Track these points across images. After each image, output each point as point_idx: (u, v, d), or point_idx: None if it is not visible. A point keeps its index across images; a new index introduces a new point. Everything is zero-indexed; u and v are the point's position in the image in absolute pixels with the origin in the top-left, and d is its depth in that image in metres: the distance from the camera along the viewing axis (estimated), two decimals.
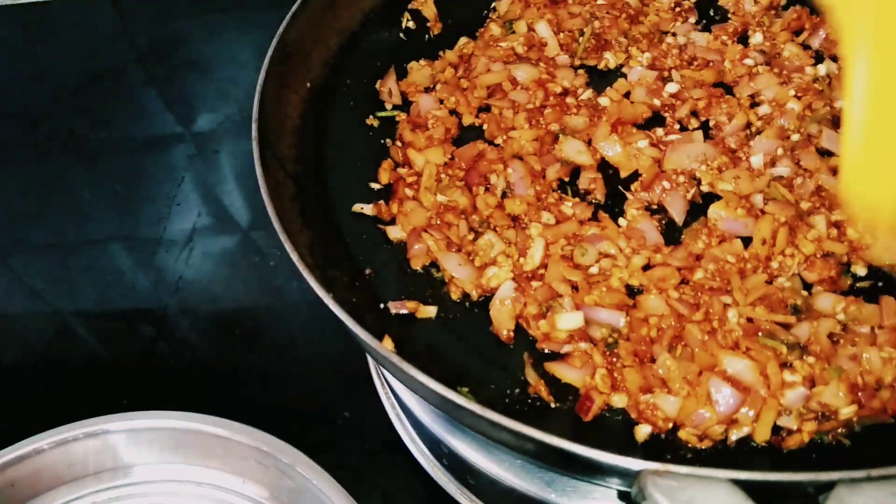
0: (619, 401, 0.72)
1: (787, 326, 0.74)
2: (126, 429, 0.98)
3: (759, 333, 0.73)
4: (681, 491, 0.50)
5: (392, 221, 0.87)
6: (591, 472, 0.61)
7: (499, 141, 0.92)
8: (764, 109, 0.90)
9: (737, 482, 0.52)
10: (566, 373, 0.74)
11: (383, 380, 1.00)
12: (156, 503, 1.01)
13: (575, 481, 0.79)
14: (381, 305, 0.80)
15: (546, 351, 0.77)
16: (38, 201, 1.35)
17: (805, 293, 0.77)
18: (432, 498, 0.96)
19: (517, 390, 0.74)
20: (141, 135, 1.42)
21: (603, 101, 0.94)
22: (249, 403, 1.04)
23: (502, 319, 0.78)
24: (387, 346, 0.69)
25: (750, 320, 0.74)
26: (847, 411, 0.67)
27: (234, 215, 1.29)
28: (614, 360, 0.74)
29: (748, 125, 0.90)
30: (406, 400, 0.92)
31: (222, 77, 1.47)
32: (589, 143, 0.90)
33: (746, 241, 0.81)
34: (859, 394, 0.68)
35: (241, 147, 1.37)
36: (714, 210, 0.82)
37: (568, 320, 0.75)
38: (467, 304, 0.82)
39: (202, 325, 1.17)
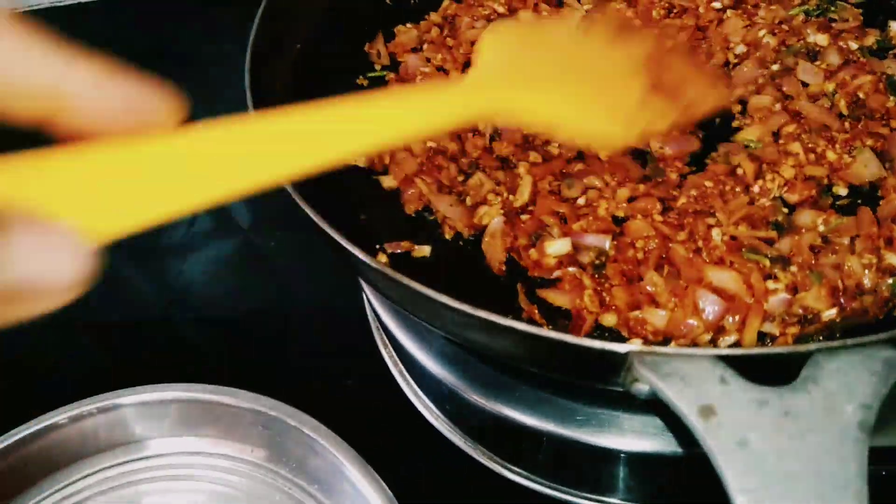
0: (609, 319, 0.74)
1: (769, 242, 0.77)
2: (137, 402, 1.00)
3: (743, 249, 0.75)
4: (665, 364, 0.53)
5: (385, 171, 0.90)
6: (584, 368, 0.63)
7: None
8: (740, 48, 0.94)
9: (720, 358, 0.54)
10: (557, 297, 0.76)
11: (388, 345, 1.03)
12: (168, 475, 1.02)
13: (578, 413, 0.82)
14: (377, 247, 0.83)
15: (538, 279, 0.79)
16: None
17: (785, 210, 0.79)
18: (439, 449, 0.97)
19: (510, 316, 0.77)
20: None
21: None
22: (257, 382, 1.05)
23: (494, 252, 0.81)
24: (381, 260, 0.71)
25: (733, 238, 0.77)
26: (829, 314, 0.69)
27: (235, 216, 1.29)
28: (603, 281, 0.76)
29: (726, 63, 0.93)
30: (412, 353, 0.94)
31: (215, 75, 1.50)
32: None
33: None
34: (840, 297, 0.70)
35: None
36: None
37: (556, 247, 0.78)
38: (461, 242, 0.84)
39: (207, 325, 1.18)
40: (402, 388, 1.00)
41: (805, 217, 0.78)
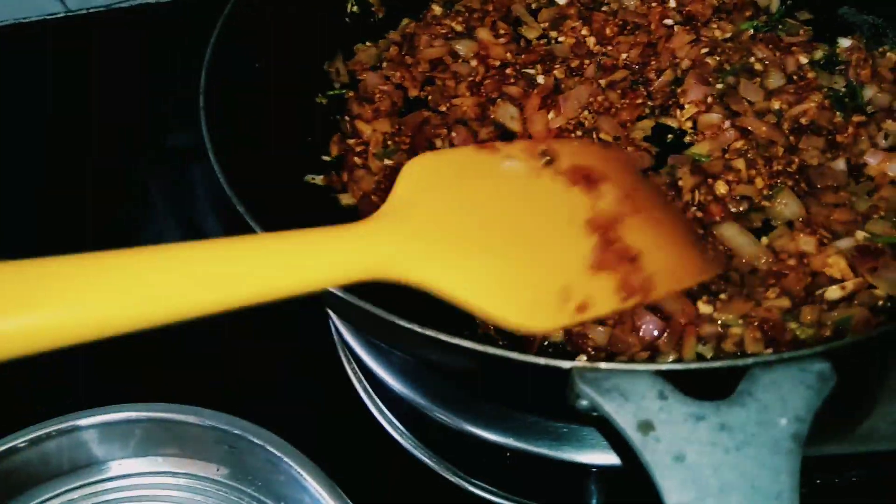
0: (556, 334, 0.75)
1: None
2: (98, 423, 0.99)
3: None
4: (605, 380, 0.54)
5: (343, 189, 0.91)
6: (531, 386, 0.64)
7: (443, 108, 0.96)
8: (685, 64, 0.96)
9: (659, 373, 0.55)
10: None
11: (352, 361, 1.03)
12: (132, 496, 1.02)
13: (539, 427, 0.82)
14: None
15: None
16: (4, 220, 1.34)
17: (701, 231, 0.81)
18: (402, 465, 0.97)
19: (466, 332, 0.78)
20: (108, 153, 1.42)
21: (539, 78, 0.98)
22: (221, 400, 1.05)
23: None
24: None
25: None
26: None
27: (207, 232, 1.28)
28: None
29: (675, 79, 0.95)
30: (375, 371, 0.94)
31: (185, 90, 1.50)
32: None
33: None
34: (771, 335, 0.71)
35: (211, 165, 1.39)
36: None
37: None
38: None
39: (165, 342, 1.16)
40: (367, 405, 1.01)
41: (726, 230, 0.79)
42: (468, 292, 0.56)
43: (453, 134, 0.92)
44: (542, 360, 0.56)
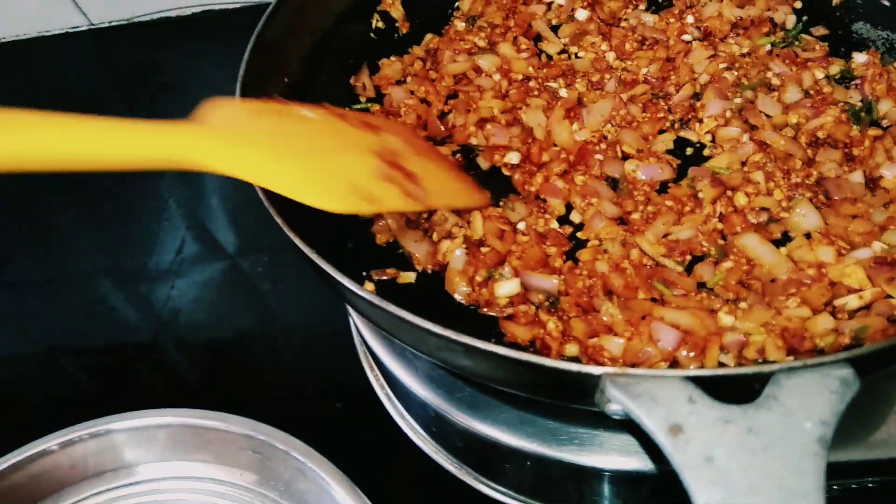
0: (571, 349, 0.77)
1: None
2: (128, 427, 1.01)
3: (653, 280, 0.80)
4: (636, 385, 0.56)
5: None
6: (561, 390, 0.66)
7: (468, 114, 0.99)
8: (703, 78, 0.98)
9: (688, 378, 0.57)
10: (517, 330, 0.79)
11: (375, 368, 1.05)
12: (158, 500, 1.04)
13: (561, 433, 0.84)
14: (364, 274, 0.86)
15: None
16: (21, 233, 1.38)
17: (722, 242, 0.83)
18: (425, 471, 0.99)
19: (493, 340, 0.79)
20: None
21: (562, 92, 1.01)
22: (246, 407, 1.07)
23: (454, 287, 0.84)
24: (368, 288, 0.74)
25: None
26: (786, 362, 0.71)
27: (221, 241, 1.32)
28: (560, 314, 0.79)
29: (694, 94, 0.98)
30: (398, 377, 0.96)
31: (201, 101, 1.52)
32: None
33: None
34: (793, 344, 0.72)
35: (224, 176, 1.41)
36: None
37: (506, 288, 0.81)
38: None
39: (195, 350, 1.19)
40: (389, 410, 1.02)
41: (747, 240, 0.81)
42: (270, 178, 0.73)
43: (489, 126, 0.95)
44: (574, 367, 0.58)
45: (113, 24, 1.67)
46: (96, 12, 1.66)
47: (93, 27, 1.68)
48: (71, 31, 1.68)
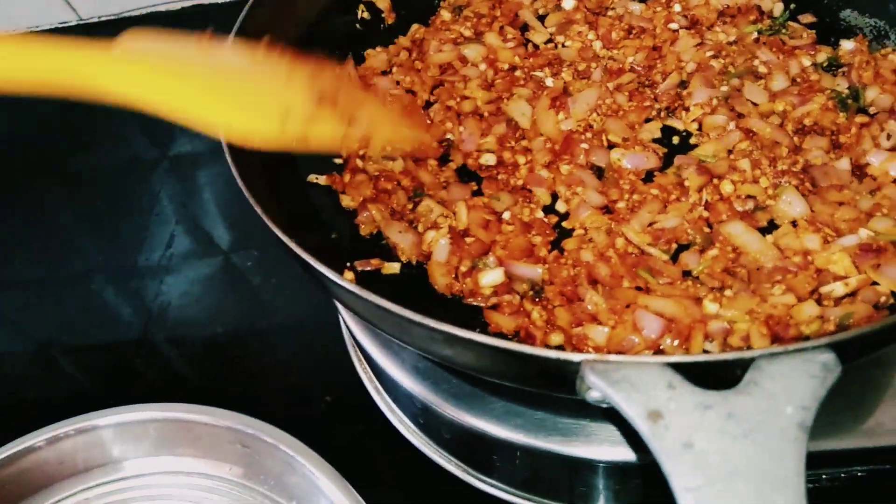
0: (556, 339, 0.76)
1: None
2: (115, 423, 1.01)
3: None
4: (615, 371, 0.55)
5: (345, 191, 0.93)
6: (542, 378, 0.65)
7: (451, 104, 0.98)
8: (690, 67, 0.98)
9: (668, 364, 0.56)
10: (501, 320, 0.79)
11: (363, 361, 1.04)
12: (146, 496, 1.03)
13: (549, 424, 0.84)
14: (348, 264, 0.85)
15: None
16: (16, 231, 1.38)
17: (708, 230, 0.83)
18: (414, 464, 0.98)
19: (477, 329, 0.79)
20: (117, 161, 1.46)
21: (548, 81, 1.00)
22: (235, 401, 1.06)
23: (438, 278, 0.83)
24: (347, 277, 0.74)
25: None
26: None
27: (215, 237, 1.32)
28: (545, 303, 0.79)
29: (681, 82, 0.97)
30: (386, 369, 0.96)
31: None
32: None
33: None
34: (777, 331, 0.72)
35: (218, 169, 1.40)
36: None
37: (490, 277, 0.80)
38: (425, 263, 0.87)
39: (185, 345, 1.19)
40: (378, 403, 1.02)
41: (733, 228, 0.81)
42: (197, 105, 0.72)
43: (461, 128, 0.94)
44: (553, 354, 0.58)
45: (102, 19, 1.67)
46: (86, 8, 1.65)
47: (82, 22, 1.68)
48: (60, 26, 1.68)
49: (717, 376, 0.56)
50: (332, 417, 1.06)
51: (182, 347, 1.19)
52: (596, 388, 0.56)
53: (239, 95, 0.74)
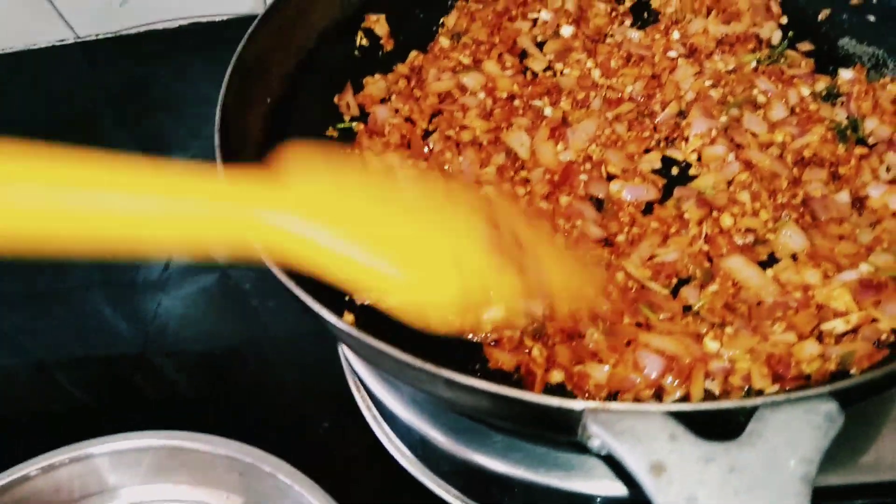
0: (556, 376, 0.76)
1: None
2: (110, 451, 1.00)
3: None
4: (618, 422, 0.55)
5: None
6: (544, 424, 0.65)
7: (450, 133, 0.98)
8: (689, 96, 0.97)
9: (670, 414, 0.56)
10: (501, 356, 0.78)
11: (361, 389, 1.04)
12: None
13: (548, 458, 0.83)
14: (346, 299, 0.85)
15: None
16: None
17: (708, 264, 0.82)
18: (413, 494, 0.98)
19: (478, 365, 0.79)
20: None
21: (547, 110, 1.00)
22: (232, 425, 1.06)
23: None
24: (346, 320, 0.73)
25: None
26: (771, 389, 0.71)
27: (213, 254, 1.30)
28: (545, 340, 0.78)
29: (680, 112, 0.97)
30: (384, 400, 0.95)
31: (192, 115, 1.52)
32: None
33: None
34: (779, 370, 0.72)
35: None
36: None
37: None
38: None
39: (183, 364, 1.18)
40: (376, 432, 1.01)
41: (733, 262, 0.80)
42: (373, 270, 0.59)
43: (460, 158, 0.93)
44: (555, 402, 0.57)
45: (100, 37, 1.67)
46: (83, 26, 1.65)
47: (80, 40, 1.67)
48: (58, 44, 1.67)
49: (719, 424, 0.56)
50: (329, 444, 1.05)
51: (179, 367, 1.18)
52: (597, 437, 0.56)
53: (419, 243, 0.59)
